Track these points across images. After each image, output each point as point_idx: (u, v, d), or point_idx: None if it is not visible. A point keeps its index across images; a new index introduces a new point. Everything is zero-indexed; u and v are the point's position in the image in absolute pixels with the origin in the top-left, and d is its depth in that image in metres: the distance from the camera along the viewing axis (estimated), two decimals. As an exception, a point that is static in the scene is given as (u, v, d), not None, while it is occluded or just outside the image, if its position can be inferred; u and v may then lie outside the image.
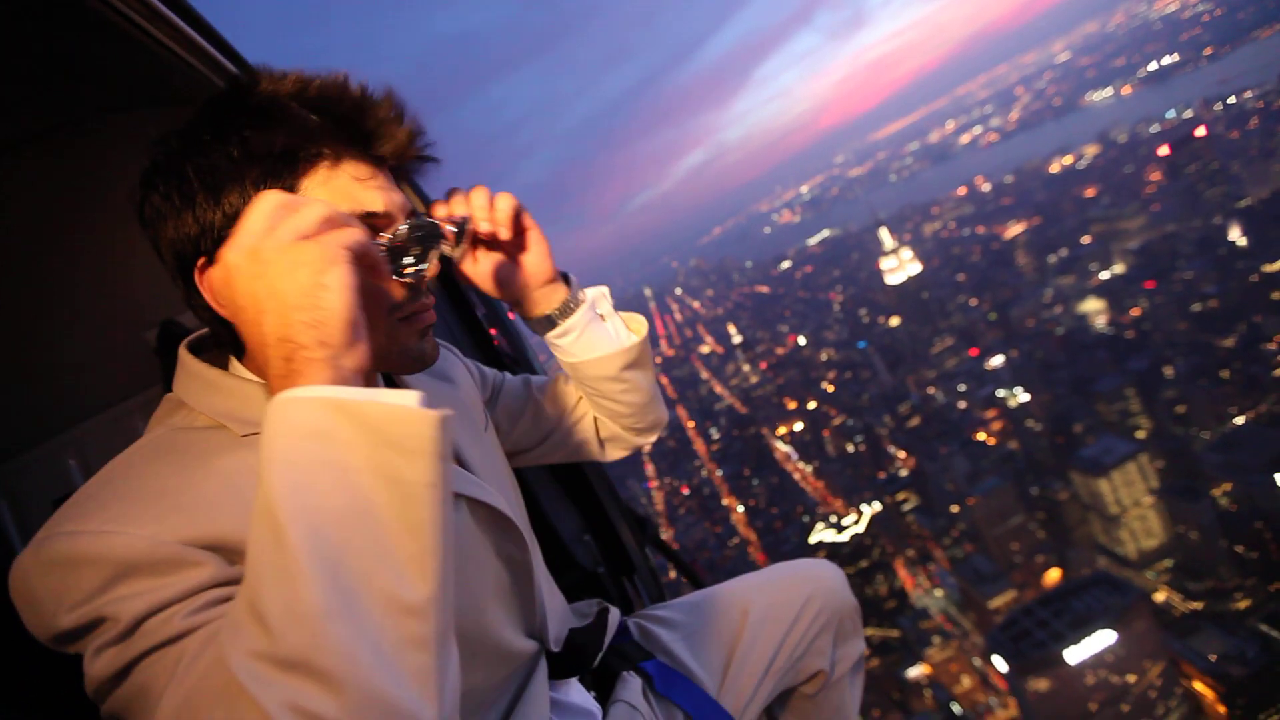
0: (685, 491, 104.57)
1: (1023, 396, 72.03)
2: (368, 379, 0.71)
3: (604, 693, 0.94)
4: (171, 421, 0.66)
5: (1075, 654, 41.00)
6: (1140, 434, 60.27)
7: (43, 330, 1.61)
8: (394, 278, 0.65)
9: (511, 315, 2.18)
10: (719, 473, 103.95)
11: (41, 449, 1.75)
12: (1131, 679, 41.83)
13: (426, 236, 0.66)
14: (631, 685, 0.94)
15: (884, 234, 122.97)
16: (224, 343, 0.69)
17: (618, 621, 1.02)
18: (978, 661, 52.11)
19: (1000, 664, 43.62)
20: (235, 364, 0.69)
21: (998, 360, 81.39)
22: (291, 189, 0.61)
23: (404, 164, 0.69)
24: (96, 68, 1.14)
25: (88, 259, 1.58)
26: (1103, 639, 41.16)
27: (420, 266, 0.66)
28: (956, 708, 49.75)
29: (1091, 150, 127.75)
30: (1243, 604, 46.26)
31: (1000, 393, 74.65)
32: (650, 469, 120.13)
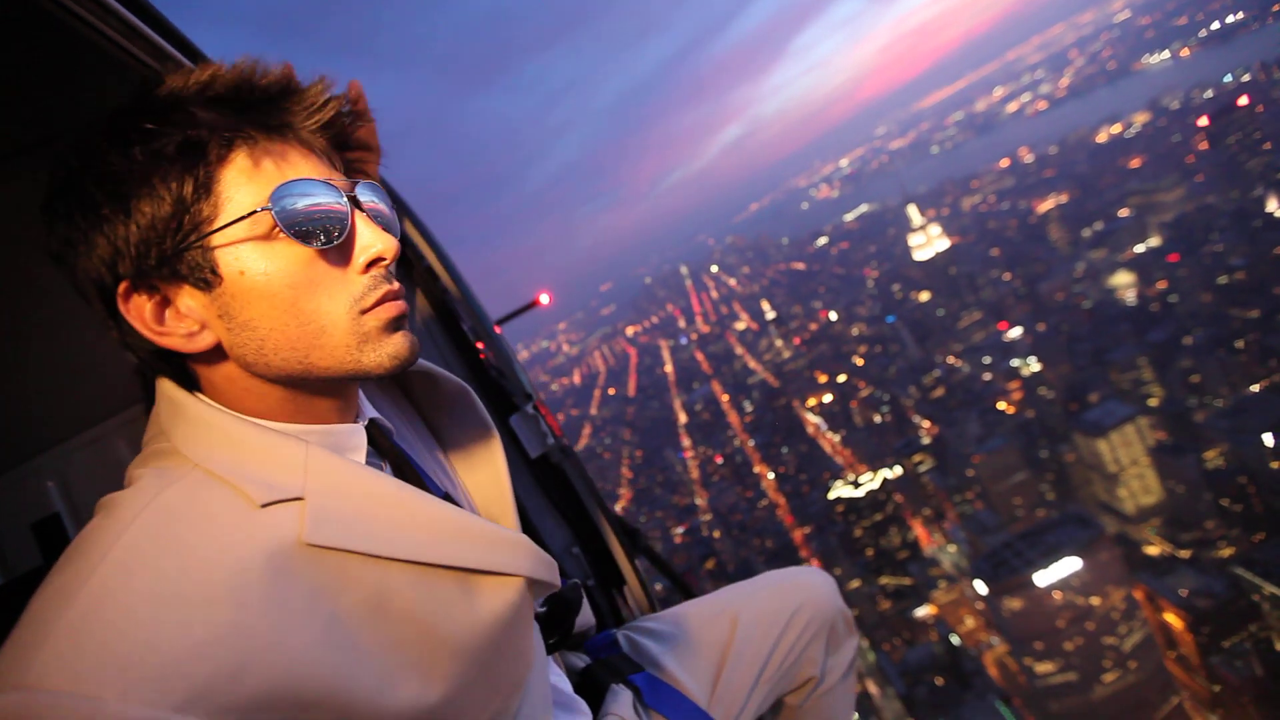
0: (719, 460, 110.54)
1: (1035, 366, 75.38)
2: (343, 390, 0.63)
3: (593, 707, 0.92)
4: (164, 471, 0.54)
5: (1044, 578, 47.24)
6: (1153, 401, 63.14)
7: (20, 348, 1.52)
8: (343, 267, 0.58)
9: (498, 329, 2.27)
10: (751, 442, 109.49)
11: (19, 471, 1.69)
12: (1096, 601, 47.54)
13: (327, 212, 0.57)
14: (621, 698, 0.93)
15: (912, 210, 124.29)
16: (179, 379, 0.59)
17: (582, 598, 0.96)
18: (980, 604, 57.19)
19: (980, 587, 50.35)
20: (220, 404, 0.59)
21: (1016, 332, 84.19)
22: (209, 181, 0.53)
23: (337, 141, 0.63)
24: (78, 84, 1.11)
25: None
26: (1068, 565, 47.17)
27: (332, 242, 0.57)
28: (955, 639, 55.45)
29: (1141, 118, 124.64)
30: (1226, 552, 50.26)
31: (1015, 362, 77.95)
32: (686, 440, 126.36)
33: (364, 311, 0.58)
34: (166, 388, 0.59)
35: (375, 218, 0.61)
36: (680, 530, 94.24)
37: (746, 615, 1.10)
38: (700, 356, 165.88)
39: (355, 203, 0.59)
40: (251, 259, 0.54)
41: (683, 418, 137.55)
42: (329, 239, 0.56)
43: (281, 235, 0.54)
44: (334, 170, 0.61)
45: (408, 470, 0.69)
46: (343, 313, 0.57)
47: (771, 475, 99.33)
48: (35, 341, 1.55)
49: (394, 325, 0.60)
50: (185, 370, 0.59)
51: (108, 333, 0.56)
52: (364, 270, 0.59)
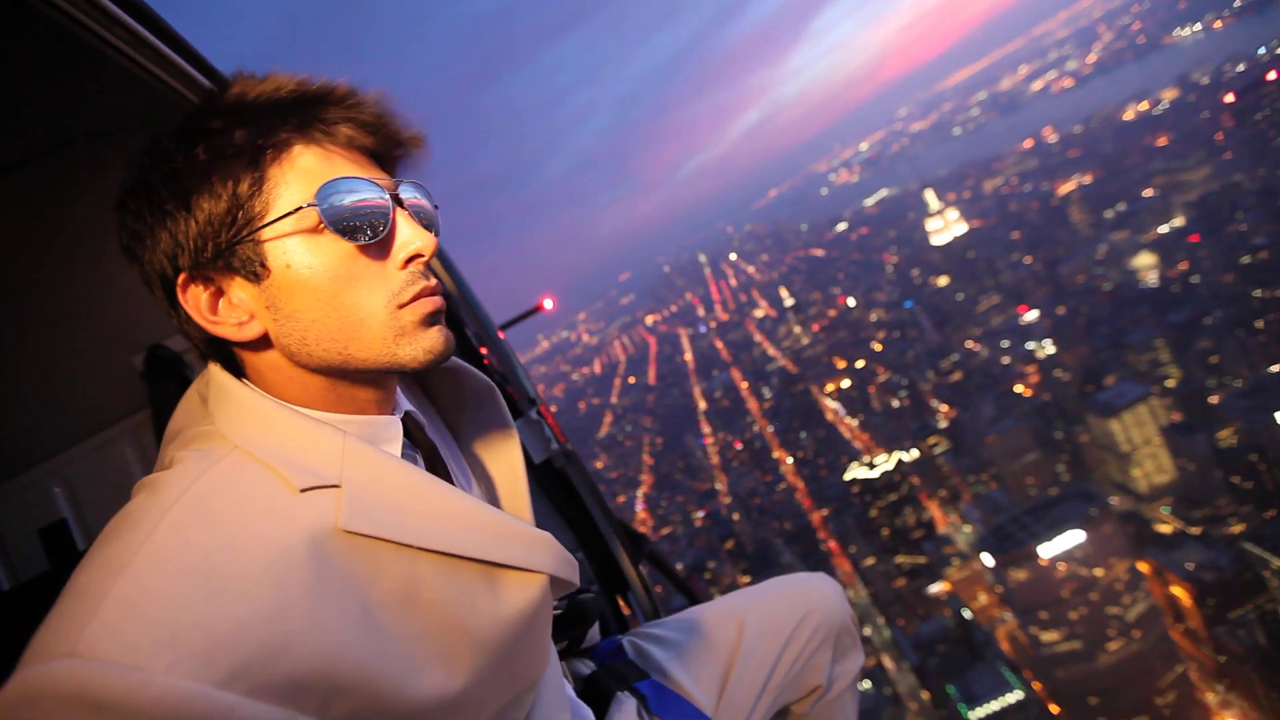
0: (738, 446, 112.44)
1: (1050, 348, 76.22)
2: (382, 382, 0.65)
3: (598, 714, 0.92)
4: (205, 453, 0.55)
5: (1048, 550, 49.32)
6: (1170, 383, 63.60)
7: (27, 356, 1.57)
8: (383, 262, 0.60)
9: (501, 335, 2.28)
10: (770, 428, 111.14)
11: (26, 476, 1.71)
12: (1099, 573, 49.28)
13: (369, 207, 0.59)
14: (626, 706, 0.93)
15: (929, 195, 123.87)
16: (227, 367, 0.63)
17: (598, 603, 1.00)
18: (991, 581, 58.94)
19: (987, 559, 52.67)
20: (262, 391, 0.61)
21: (1032, 315, 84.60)
22: (261, 179, 0.57)
23: (383, 143, 0.64)
24: (80, 92, 1.12)
25: (74, 283, 1.55)
26: (1072, 538, 49.19)
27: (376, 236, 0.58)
28: (967, 613, 57.35)
29: (1169, 94, 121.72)
30: (1237, 528, 51.20)
31: (1030, 345, 78.56)
32: (705, 426, 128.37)
33: (401, 306, 0.60)
34: (215, 373, 0.62)
35: (417, 214, 0.63)
36: (700, 514, 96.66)
37: (753, 621, 1.09)
38: (719, 344, 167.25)
39: (397, 200, 0.62)
40: (297, 253, 0.57)
41: (702, 405, 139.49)
42: (371, 235, 0.58)
43: (326, 230, 0.57)
44: (378, 169, 0.63)
45: (439, 463, 0.71)
46: (380, 306, 0.59)
47: (790, 460, 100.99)
48: (41, 349, 1.58)
49: (430, 320, 0.61)
50: (233, 359, 0.62)
51: (169, 320, 0.60)
52: (403, 266, 0.61)
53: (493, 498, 0.81)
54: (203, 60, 1.06)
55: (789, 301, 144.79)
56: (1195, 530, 53.45)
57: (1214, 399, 58.01)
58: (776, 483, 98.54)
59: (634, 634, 1.10)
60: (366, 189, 0.59)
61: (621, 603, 2.00)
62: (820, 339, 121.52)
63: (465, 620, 0.58)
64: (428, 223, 0.64)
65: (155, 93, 1.03)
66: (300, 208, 0.56)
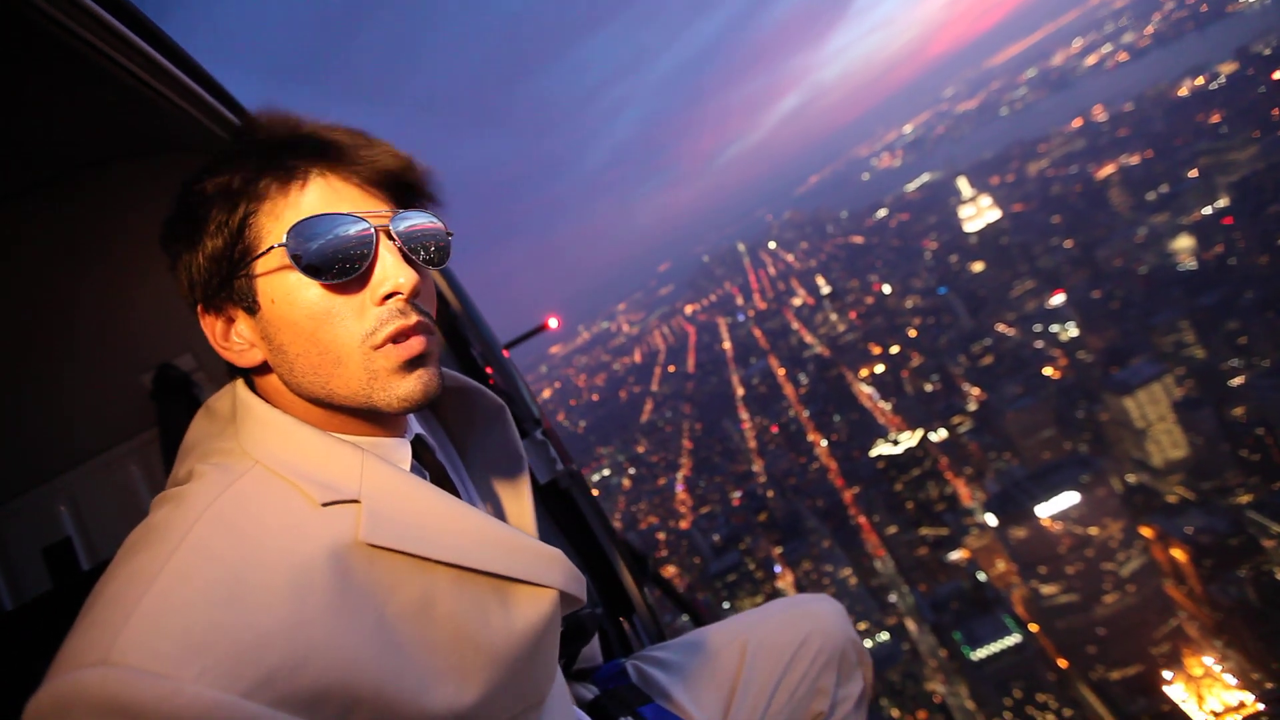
0: (774, 430, 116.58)
1: (1073, 331, 78.75)
2: (379, 415, 0.64)
3: None
4: (227, 467, 0.57)
5: (1044, 509, 53.92)
6: (1195, 362, 65.28)
7: (36, 374, 1.58)
8: (362, 299, 0.59)
9: (506, 354, 2.24)
10: (805, 412, 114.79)
11: (32, 495, 1.71)
12: (1094, 531, 53.19)
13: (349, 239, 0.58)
14: None
15: (962, 183, 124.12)
16: (249, 385, 0.66)
17: (596, 617, 0.99)
18: (998, 540, 63.07)
19: (991, 519, 57.82)
20: (285, 411, 0.62)
21: (1058, 299, 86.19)
22: (252, 216, 0.59)
23: (386, 179, 0.64)
24: (96, 117, 1.14)
25: (84, 303, 1.58)
26: (1067, 499, 53.53)
27: (351, 270, 0.58)
28: (982, 576, 61.86)
29: (1227, 68, 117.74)
30: (1244, 498, 53.65)
31: (1054, 327, 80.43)
32: (743, 412, 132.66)
33: (376, 348, 0.59)
34: (241, 390, 0.64)
35: (412, 244, 0.62)
36: (738, 494, 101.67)
37: (755, 643, 1.09)
38: (758, 332, 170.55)
39: (387, 233, 0.61)
40: (278, 290, 0.59)
41: (740, 391, 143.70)
42: (342, 273, 0.58)
43: (297, 269, 0.57)
44: (381, 200, 0.62)
45: (446, 485, 0.72)
46: (355, 346, 0.59)
47: (824, 443, 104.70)
48: (49, 367, 1.62)
49: (408, 365, 0.60)
50: (250, 380, 0.65)
51: (178, 339, 0.67)
52: (380, 302, 0.60)
53: (499, 517, 0.81)
54: (220, 89, 1.06)
55: (826, 289, 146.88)
56: (1193, 497, 56.17)
57: (1239, 379, 59.40)
58: (810, 463, 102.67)
59: (637, 657, 1.11)
60: (342, 225, 0.58)
61: (625, 624, 2.01)
62: (856, 326, 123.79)
63: (478, 634, 0.59)
64: (431, 251, 0.63)
65: (172, 120, 1.04)
66: (272, 247, 0.58)
